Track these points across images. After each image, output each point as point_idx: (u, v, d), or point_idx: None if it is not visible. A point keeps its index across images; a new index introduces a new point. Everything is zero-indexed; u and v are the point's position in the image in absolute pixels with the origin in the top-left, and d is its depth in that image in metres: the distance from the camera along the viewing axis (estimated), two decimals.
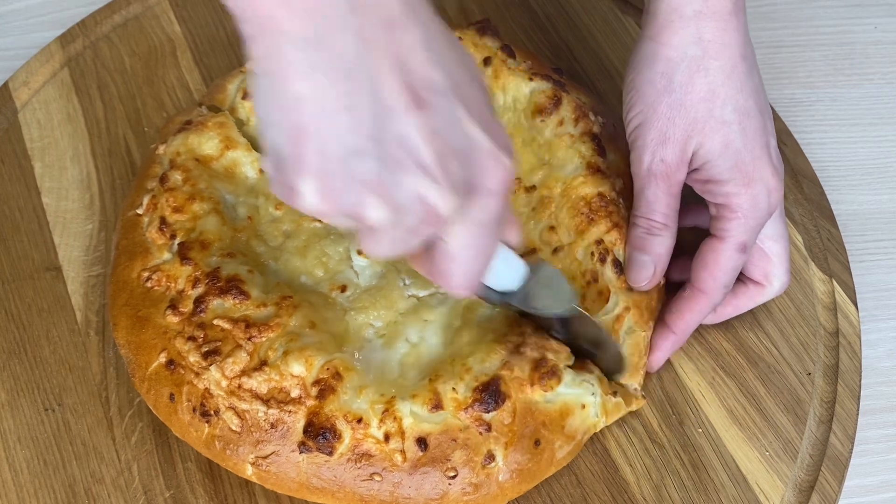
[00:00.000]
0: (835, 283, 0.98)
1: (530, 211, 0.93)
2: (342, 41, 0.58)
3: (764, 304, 0.95)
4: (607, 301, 0.87)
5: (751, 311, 0.95)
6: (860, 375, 0.93)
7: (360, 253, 0.89)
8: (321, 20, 0.57)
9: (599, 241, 0.88)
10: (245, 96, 0.99)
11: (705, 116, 0.84)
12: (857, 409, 0.91)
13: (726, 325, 0.95)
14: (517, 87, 0.97)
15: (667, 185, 0.86)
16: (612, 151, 0.95)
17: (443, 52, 0.62)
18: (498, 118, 0.75)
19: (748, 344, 0.94)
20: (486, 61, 0.98)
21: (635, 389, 0.88)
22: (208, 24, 1.17)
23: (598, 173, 0.92)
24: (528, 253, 0.91)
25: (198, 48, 1.15)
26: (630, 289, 0.88)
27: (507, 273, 0.79)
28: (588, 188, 0.90)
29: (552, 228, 0.91)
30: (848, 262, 0.99)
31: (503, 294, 0.80)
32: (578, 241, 0.89)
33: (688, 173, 0.87)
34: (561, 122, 0.95)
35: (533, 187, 0.93)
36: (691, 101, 0.84)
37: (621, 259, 0.89)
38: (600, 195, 0.90)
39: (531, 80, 0.97)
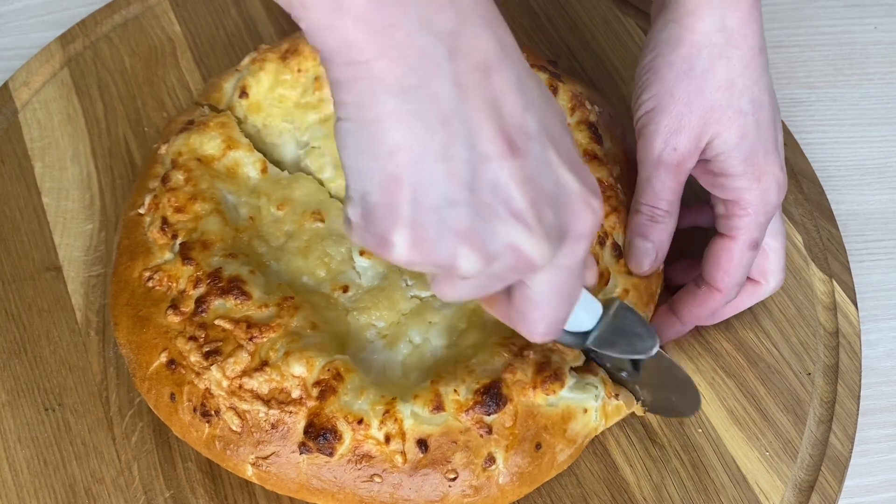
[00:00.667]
0: (835, 283, 0.98)
1: None
2: (440, 89, 0.56)
3: (764, 304, 0.96)
4: (606, 283, 0.87)
5: (751, 311, 0.95)
6: (860, 375, 0.93)
7: (362, 253, 0.89)
8: (420, 68, 0.55)
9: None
10: (242, 94, 0.98)
11: (723, 106, 0.82)
12: (857, 409, 0.91)
13: (726, 325, 0.95)
14: None
15: (675, 175, 0.85)
16: (609, 139, 0.96)
17: (533, 93, 0.60)
18: (583, 160, 0.73)
19: (748, 344, 0.94)
20: None
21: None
22: (208, 24, 1.17)
23: (595, 160, 0.92)
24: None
25: (198, 48, 1.15)
26: (630, 272, 0.88)
27: (583, 314, 0.76)
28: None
29: None
30: (848, 262, 1.00)
31: (577, 336, 0.77)
32: None
33: (697, 163, 0.86)
34: None
35: None
36: (710, 88, 0.82)
37: (620, 243, 0.89)
38: (598, 181, 0.90)
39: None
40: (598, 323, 0.77)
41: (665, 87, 0.84)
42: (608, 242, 0.89)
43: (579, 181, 0.62)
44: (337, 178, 0.95)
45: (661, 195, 0.86)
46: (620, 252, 0.89)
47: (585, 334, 0.77)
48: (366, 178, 0.58)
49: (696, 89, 0.83)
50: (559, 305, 0.68)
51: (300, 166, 0.97)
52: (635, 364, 0.81)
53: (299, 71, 0.99)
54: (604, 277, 0.87)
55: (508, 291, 0.68)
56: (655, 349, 0.75)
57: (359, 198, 0.59)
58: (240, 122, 0.99)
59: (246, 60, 1.01)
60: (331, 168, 0.95)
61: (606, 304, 0.77)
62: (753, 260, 0.87)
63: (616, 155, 0.95)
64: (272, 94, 0.99)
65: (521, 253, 0.60)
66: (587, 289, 0.75)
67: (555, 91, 0.96)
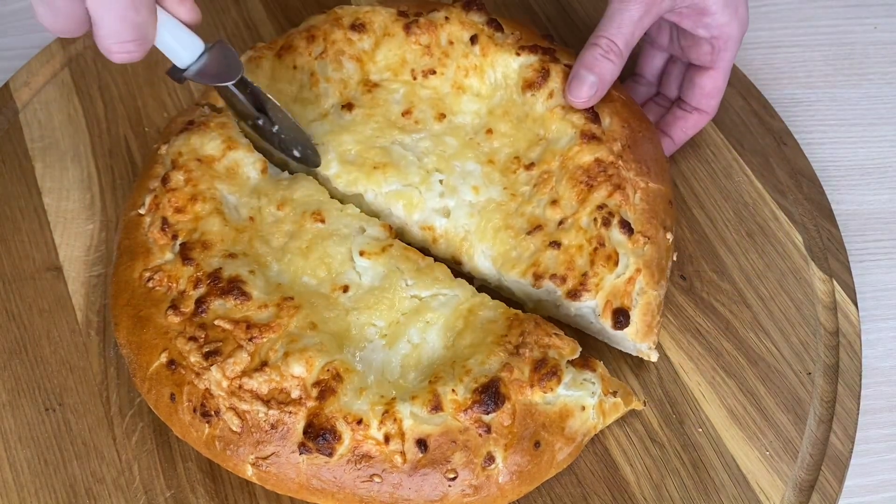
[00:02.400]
0: (835, 282, 0.98)
1: (532, 188, 0.93)
2: None
3: (764, 305, 0.96)
4: (616, 264, 0.88)
5: (750, 311, 0.95)
6: (860, 375, 0.93)
7: (362, 254, 0.89)
8: None
9: (602, 206, 0.90)
10: None
11: None
12: (858, 409, 0.91)
13: (726, 325, 0.95)
14: (506, 63, 0.98)
15: (643, 13, 0.91)
16: (608, 115, 0.96)
17: None
18: None
19: (748, 343, 0.94)
20: (473, 39, 0.99)
21: (649, 348, 0.89)
22: (208, 24, 1.17)
23: (593, 140, 0.93)
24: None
25: None
26: (640, 249, 0.89)
27: (179, 48, 0.83)
28: (585, 156, 0.92)
29: (554, 203, 0.91)
30: (848, 261, 1.00)
31: (183, 71, 0.85)
32: (581, 210, 0.90)
33: (683, 14, 0.94)
34: (551, 95, 0.96)
35: (532, 164, 0.94)
36: None
37: (630, 219, 0.90)
38: (597, 161, 0.92)
39: (518, 54, 0.98)
40: (199, 59, 0.85)
41: None
42: (615, 221, 0.89)
43: None
44: (343, 173, 0.95)
45: (623, 31, 0.91)
46: (630, 229, 0.89)
47: (190, 70, 0.85)
48: None
49: None
50: (120, 20, 0.74)
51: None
52: (261, 110, 0.92)
53: (295, 68, 1.00)
54: (612, 259, 0.87)
55: None
56: (240, 75, 0.87)
57: None
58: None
59: (243, 58, 1.01)
60: (336, 164, 0.95)
61: (211, 45, 0.87)
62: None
63: (616, 131, 0.95)
64: (271, 90, 0.99)
65: None
66: (185, 25, 0.84)
67: (546, 74, 0.96)
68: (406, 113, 0.99)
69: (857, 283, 0.99)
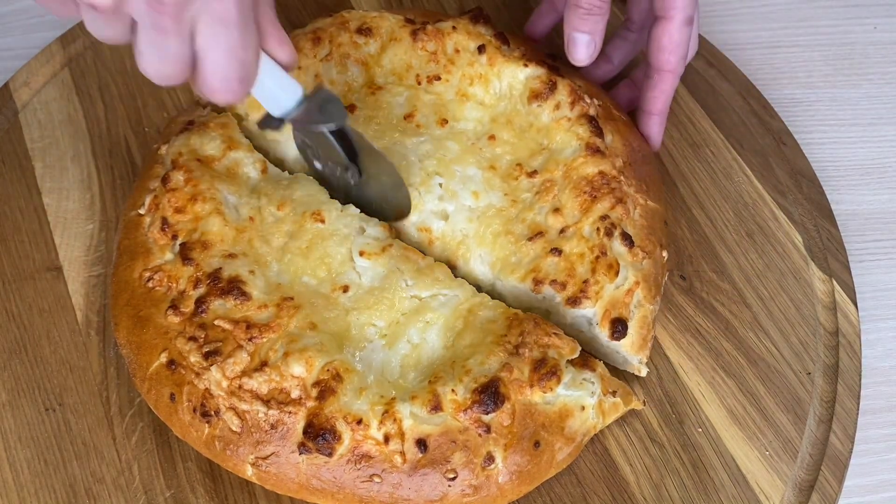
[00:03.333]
0: (835, 282, 0.98)
1: (534, 195, 0.93)
2: None
3: (764, 305, 0.96)
4: (617, 275, 0.88)
5: (750, 311, 0.95)
6: (860, 375, 0.93)
7: (362, 254, 0.89)
8: None
9: (605, 217, 0.90)
10: None
11: None
12: (857, 409, 0.91)
13: (726, 325, 0.95)
14: (512, 74, 0.99)
15: None
16: (610, 132, 0.96)
17: None
18: None
19: (748, 343, 0.94)
20: (481, 49, 0.99)
21: (640, 362, 0.89)
22: None
23: (597, 153, 0.93)
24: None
25: None
26: (639, 263, 0.90)
27: (280, 92, 0.81)
28: (589, 168, 0.92)
29: (557, 211, 0.92)
30: (848, 261, 1.00)
31: (280, 120, 0.83)
32: (584, 219, 0.90)
33: None
34: (557, 106, 0.96)
35: (535, 172, 0.95)
36: None
37: (630, 233, 0.90)
38: (601, 174, 0.92)
39: (526, 66, 0.98)
40: (300, 105, 0.83)
41: None
42: (616, 233, 0.89)
43: None
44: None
45: None
46: (631, 242, 0.90)
47: (289, 117, 0.83)
48: None
49: None
50: (226, 59, 0.72)
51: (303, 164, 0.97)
52: (353, 160, 0.89)
53: (299, 69, 0.99)
54: (613, 269, 0.88)
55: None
56: (346, 119, 0.85)
57: None
58: (242, 118, 0.99)
59: None
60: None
61: (312, 91, 0.84)
62: (689, 36, 0.96)
63: (618, 148, 0.96)
64: None
65: None
66: (285, 69, 0.80)
67: (553, 86, 0.97)
68: (408, 116, 0.99)
69: (856, 283, 0.99)
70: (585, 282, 0.87)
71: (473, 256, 0.92)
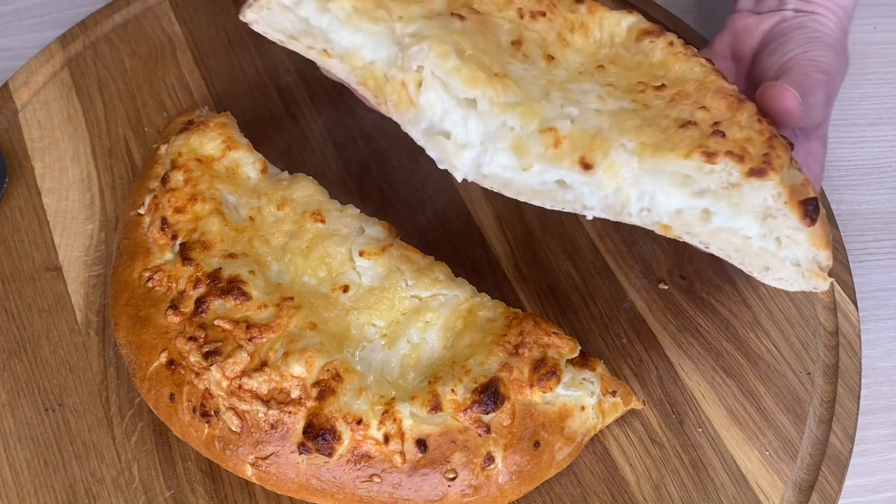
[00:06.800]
0: (835, 282, 0.98)
1: (667, 103, 0.82)
2: None
3: (764, 304, 0.96)
4: (791, 160, 0.79)
5: (750, 311, 0.95)
6: (860, 375, 0.93)
7: (362, 254, 0.89)
8: None
9: (759, 116, 0.81)
10: None
11: None
12: (857, 409, 0.91)
13: (726, 325, 0.95)
14: (616, 23, 0.91)
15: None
16: None
17: None
18: None
19: (748, 343, 0.94)
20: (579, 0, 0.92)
21: (827, 261, 0.80)
22: (208, 24, 1.18)
23: (724, 78, 0.86)
24: None
25: (198, 48, 1.15)
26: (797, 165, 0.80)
27: None
28: (725, 83, 0.84)
29: (703, 108, 0.81)
30: (848, 261, 1.00)
31: None
32: (738, 115, 0.80)
33: None
34: (671, 44, 0.89)
35: (663, 86, 0.85)
36: None
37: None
38: (737, 89, 0.84)
39: (630, 13, 0.92)
40: None
41: None
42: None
43: None
44: (463, 67, 0.81)
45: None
46: (791, 144, 0.82)
47: None
48: None
49: None
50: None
51: (396, 64, 0.84)
52: None
53: None
54: (788, 151, 0.79)
55: None
56: None
57: None
58: (326, 2, 0.84)
59: None
60: (454, 57, 0.82)
61: None
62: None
63: None
64: None
65: None
66: None
67: (663, 27, 0.91)
68: (515, 43, 0.88)
69: (857, 283, 0.99)
70: (765, 154, 0.76)
71: (615, 146, 0.79)
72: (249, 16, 0.86)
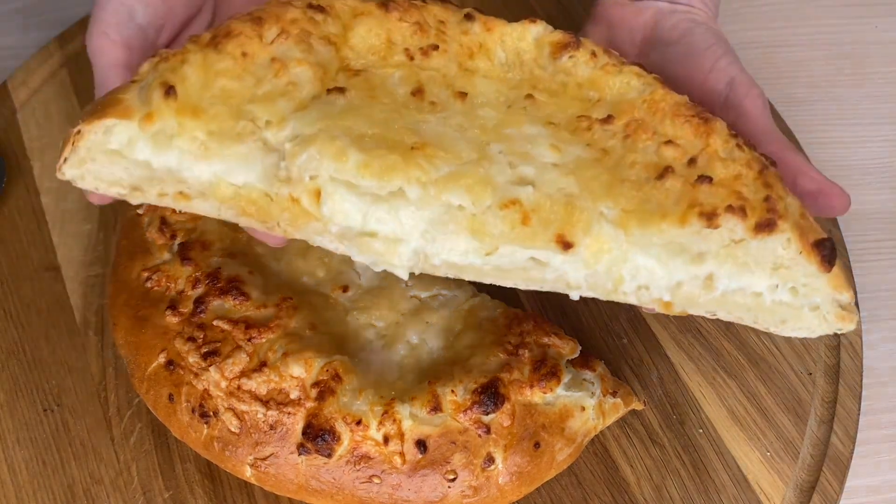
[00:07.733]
0: None
1: (623, 141, 0.74)
2: None
3: None
4: (786, 190, 0.71)
5: None
6: (861, 375, 0.92)
7: None
8: None
9: (733, 133, 0.73)
10: (168, 93, 0.71)
11: None
12: (859, 409, 0.91)
13: (727, 325, 0.95)
14: (519, 37, 0.81)
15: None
16: None
17: None
18: None
19: (749, 344, 0.94)
20: (469, 16, 0.81)
21: (849, 301, 0.71)
22: None
23: (667, 85, 0.77)
24: None
25: None
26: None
27: None
28: (674, 96, 0.75)
29: (669, 143, 0.73)
30: (848, 261, 0.99)
31: None
32: (710, 140, 0.72)
33: None
34: (593, 55, 0.79)
35: (609, 117, 0.75)
36: None
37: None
38: (688, 100, 0.76)
39: (533, 22, 0.81)
40: None
41: None
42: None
43: None
44: (369, 162, 0.69)
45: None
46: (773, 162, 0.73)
47: None
48: None
49: None
50: None
51: (278, 177, 0.70)
52: None
53: (244, 55, 0.72)
54: (782, 181, 0.70)
55: None
56: None
57: None
58: (169, 138, 0.70)
59: (146, 66, 0.72)
60: (354, 153, 0.69)
61: None
62: None
63: None
64: (209, 90, 0.71)
65: None
66: None
67: (577, 40, 0.80)
68: (416, 93, 0.76)
69: (858, 284, 0.98)
70: (767, 198, 0.68)
71: (595, 218, 0.69)
72: (69, 173, 0.69)
